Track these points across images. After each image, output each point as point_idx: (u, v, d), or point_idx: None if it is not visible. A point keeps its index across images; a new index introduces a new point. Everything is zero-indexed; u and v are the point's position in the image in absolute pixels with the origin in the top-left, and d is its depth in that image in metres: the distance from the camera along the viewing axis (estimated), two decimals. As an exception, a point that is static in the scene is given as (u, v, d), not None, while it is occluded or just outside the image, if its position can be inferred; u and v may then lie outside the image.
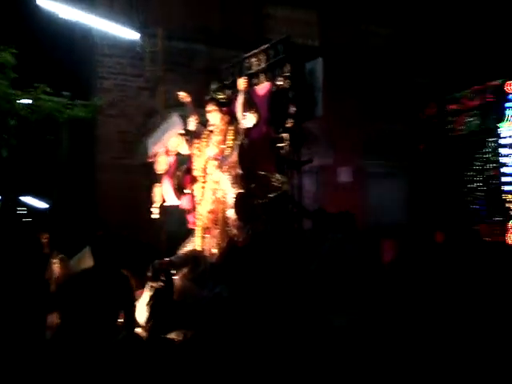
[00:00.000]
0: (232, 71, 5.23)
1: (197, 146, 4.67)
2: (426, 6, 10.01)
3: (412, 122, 8.84)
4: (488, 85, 7.16)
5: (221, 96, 4.88)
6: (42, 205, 12.21)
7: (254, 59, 4.91)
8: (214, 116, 4.56)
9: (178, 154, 4.90)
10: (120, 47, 7.01)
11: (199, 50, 7.89)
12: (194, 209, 4.62)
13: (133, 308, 3.11)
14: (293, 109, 4.33)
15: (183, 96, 5.01)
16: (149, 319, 3.33)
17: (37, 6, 6.10)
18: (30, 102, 5.87)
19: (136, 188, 7.37)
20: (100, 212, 7.11)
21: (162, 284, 3.51)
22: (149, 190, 7.31)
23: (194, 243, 4.51)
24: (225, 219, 4.31)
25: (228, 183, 4.27)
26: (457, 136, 7.68)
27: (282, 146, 4.39)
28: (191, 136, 4.77)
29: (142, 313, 3.30)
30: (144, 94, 7.43)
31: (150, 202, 5.29)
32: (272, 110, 4.44)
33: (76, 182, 8.18)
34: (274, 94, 4.52)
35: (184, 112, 7.80)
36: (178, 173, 4.86)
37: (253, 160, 4.26)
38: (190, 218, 4.68)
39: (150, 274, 3.66)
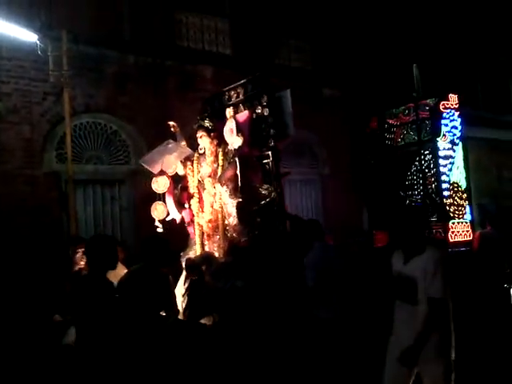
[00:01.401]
0: (212, 102, 6.20)
1: (189, 166, 5.53)
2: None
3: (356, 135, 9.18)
4: (420, 103, 8.04)
5: (207, 123, 5.39)
6: None
7: (232, 92, 5.77)
8: (204, 141, 5.36)
9: (175, 175, 5.55)
10: (21, 50, 6.43)
11: (109, 55, 7.49)
12: (192, 221, 5.49)
13: (174, 298, 3.89)
14: (272, 131, 5.18)
15: (173, 126, 5.73)
16: (187, 307, 4.39)
17: None
18: None
19: (42, 198, 6.86)
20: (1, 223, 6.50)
21: (196, 277, 4.55)
22: (56, 201, 6.90)
23: (195, 250, 5.40)
24: (224, 226, 5.15)
25: (226, 195, 5.07)
26: (396, 146, 8.50)
27: (267, 162, 5.23)
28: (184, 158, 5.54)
29: (179, 301, 4.27)
30: (49, 100, 6.90)
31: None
32: (253, 133, 5.29)
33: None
34: (255, 120, 5.36)
35: (94, 119, 7.48)
36: (176, 191, 5.56)
37: (244, 174, 5.02)
38: (189, 229, 5.58)
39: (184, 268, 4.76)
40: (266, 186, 5.09)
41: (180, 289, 4.65)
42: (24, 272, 6.05)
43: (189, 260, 4.88)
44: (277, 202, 5.04)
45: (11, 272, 6.00)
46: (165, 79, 8.07)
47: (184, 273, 4.79)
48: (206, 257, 4.95)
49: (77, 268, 4.60)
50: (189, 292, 4.53)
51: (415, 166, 8.30)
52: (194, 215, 5.45)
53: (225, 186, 5.05)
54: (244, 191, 4.99)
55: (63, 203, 6.91)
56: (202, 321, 4.31)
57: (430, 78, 13.12)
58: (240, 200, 4.95)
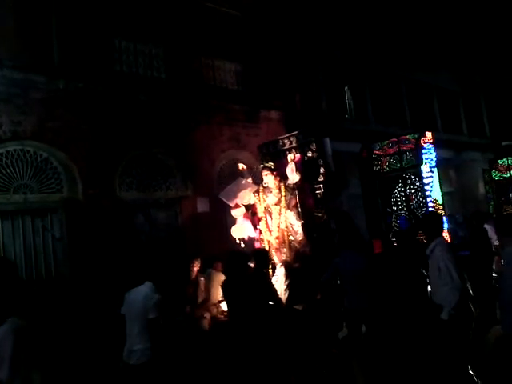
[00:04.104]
0: (268, 147, 7.72)
1: (257, 197, 6.92)
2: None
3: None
4: (401, 138, 9.98)
5: (270, 165, 6.88)
6: None
7: (286, 140, 7.33)
8: (269, 177, 6.74)
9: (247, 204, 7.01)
10: None
11: (37, 80, 7.06)
12: (261, 238, 6.87)
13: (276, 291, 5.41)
14: (321, 169, 6.71)
15: (242, 167, 7.31)
16: (288, 297, 5.78)
17: None
18: None
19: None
20: None
21: (298, 265, 6.08)
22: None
23: None
24: (289, 241, 6.52)
25: (293, 218, 6.54)
26: (382, 172, 10.42)
27: (318, 192, 6.69)
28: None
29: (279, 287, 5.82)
30: (-29, 128, 6.39)
31: None
32: (306, 171, 6.73)
33: None
34: (306, 162, 6.89)
35: (23, 146, 7.00)
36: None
37: (302, 202, 6.63)
38: (256, 244, 6.91)
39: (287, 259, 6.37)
40: (319, 210, 6.63)
41: (281, 285, 5.93)
42: None
43: (286, 262, 6.31)
44: (327, 221, 6.51)
45: None
46: (98, 105, 7.73)
47: (283, 272, 6.11)
48: (285, 262, 6.34)
49: (194, 276, 6.71)
50: (289, 284, 5.92)
51: (398, 187, 10.15)
52: (261, 233, 6.83)
53: (291, 211, 6.52)
54: (304, 215, 6.54)
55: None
56: (296, 306, 5.66)
57: (361, 101, 13.64)
58: (303, 221, 6.45)
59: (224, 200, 6.97)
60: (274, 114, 10.56)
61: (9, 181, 6.78)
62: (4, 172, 6.73)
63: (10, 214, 6.71)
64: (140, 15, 8.61)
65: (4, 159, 6.76)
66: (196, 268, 6.72)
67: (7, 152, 6.82)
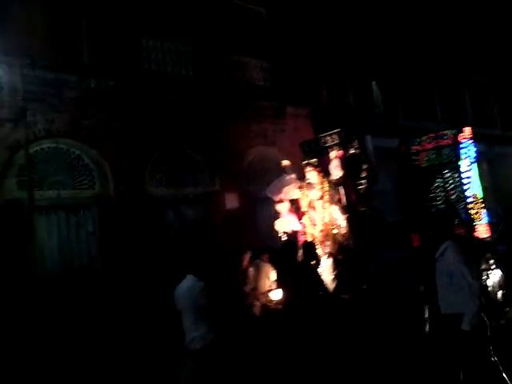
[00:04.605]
0: (310, 144, 7.93)
1: (301, 192, 7.10)
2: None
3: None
4: (439, 133, 9.70)
5: (314, 161, 7.15)
6: None
7: (328, 137, 7.51)
8: (312, 174, 6.92)
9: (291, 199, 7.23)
10: (-25, 76, 6.15)
11: (69, 79, 7.23)
12: (304, 232, 7.06)
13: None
14: (364, 165, 6.94)
15: (286, 163, 7.47)
16: (333, 282, 6.18)
17: None
18: None
19: (5, 226, 6.47)
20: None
21: (342, 257, 6.40)
22: (18, 228, 6.52)
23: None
24: (333, 234, 6.69)
25: (338, 212, 6.69)
26: (420, 167, 10.11)
27: (361, 188, 6.91)
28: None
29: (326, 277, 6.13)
30: (8, 126, 6.58)
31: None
32: (348, 167, 6.91)
33: None
34: (348, 158, 7.07)
35: (56, 144, 7.18)
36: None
37: (346, 197, 6.84)
38: (301, 237, 7.03)
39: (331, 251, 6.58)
40: (361, 205, 6.80)
41: (327, 275, 6.23)
42: None
43: (333, 254, 6.53)
44: (369, 215, 6.75)
45: None
46: (128, 102, 7.85)
47: (329, 264, 6.39)
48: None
49: (244, 267, 6.94)
50: (338, 270, 6.27)
51: (437, 182, 9.98)
52: (305, 227, 7.03)
53: (335, 206, 6.70)
54: (347, 209, 6.72)
55: (26, 230, 6.54)
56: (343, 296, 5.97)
57: (390, 95, 13.41)
58: (348, 215, 6.63)
59: (269, 195, 7.23)
60: (301, 110, 10.50)
61: (43, 177, 6.95)
62: (38, 168, 6.91)
63: (44, 210, 6.88)
64: (167, 14, 8.70)
65: (38, 156, 6.93)
66: (246, 259, 7.01)
67: (41, 149, 7.00)
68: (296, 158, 8.08)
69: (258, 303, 6.72)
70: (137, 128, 7.87)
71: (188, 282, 4.81)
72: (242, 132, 9.43)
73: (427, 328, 5.53)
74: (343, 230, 6.63)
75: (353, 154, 7.10)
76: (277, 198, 7.17)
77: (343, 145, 7.22)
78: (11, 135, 6.59)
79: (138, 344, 6.57)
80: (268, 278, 6.77)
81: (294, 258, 5.78)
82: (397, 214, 10.50)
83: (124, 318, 6.80)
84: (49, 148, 7.10)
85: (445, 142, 9.72)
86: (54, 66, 6.97)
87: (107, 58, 7.70)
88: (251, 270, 6.97)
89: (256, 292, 6.86)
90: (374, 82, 13.28)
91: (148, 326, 6.81)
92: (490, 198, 14.96)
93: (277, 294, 6.09)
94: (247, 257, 6.99)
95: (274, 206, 7.41)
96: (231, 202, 8.82)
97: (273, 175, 9.43)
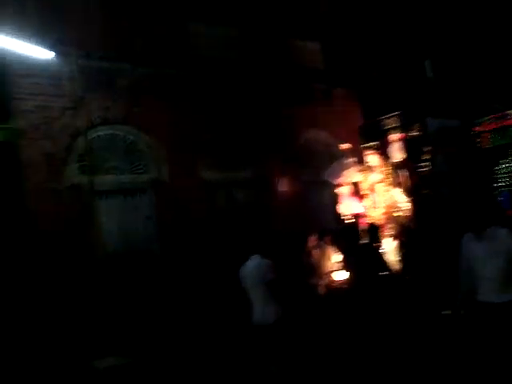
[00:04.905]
0: (369, 127, 7.98)
1: (362, 175, 7.22)
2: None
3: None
4: (504, 113, 9.46)
5: (374, 144, 7.23)
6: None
7: (388, 120, 7.48)
8: (373, 157, 7.07)
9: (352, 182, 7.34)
10: (36, 67, 6.44)
11: (122, 68, 7.46)
12: (364, 215, 7.14)
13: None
14: (425, 148, 6.93)
15: (345, 146, 7.52)
16: (399, 263, 6.28)
17: None
18: None
19: (68, 211, 6.80)
20: (33, 238, 6.46)
21: (404, 239, 6.49)
22: (80, 212, 6.83)
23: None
24: (395, 217, 6.74)
25: (400, 195, 6.78)
26: (484, 149, 9.90)
27: (422, 170, 6.91)
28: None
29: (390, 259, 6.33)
30: (68, 115, 6.88)
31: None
32: (410, 149, 6.93)
33: (3, 210, 7.44)
34: (409, 140, 7.05)
35: (113, 130, 7.44)
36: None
37: (408, 179, 6.85)
38: (361, 220, 7.15)
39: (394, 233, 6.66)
40: (424, 187, 6.82)
41: (391, 257, 6.41)
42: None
43: (397, 236, 6.65)
44: (433, 197, 6.76)
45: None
46: (180, 88, 8.00)
47: (393, 245, 6.50)
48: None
49: (309, 248, 6.96)
50: (404, 251, 6.36)
51: (502, 163, 9.66)
52: (366, 210, 7.14)
53: (398, 189, 6.79)
54: (410, 191, 6.77)
55: (87, 214, 6.84)
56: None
57: (444, 74, 12.84)
58: (411, 198, 6.68)
59: (328, 179, 7.41)
60: (350, 92, 10.28)
61: (102, 163, 7.23)
62: (97, 155, 7.19)
63: (104, 194, 7.15)
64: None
65: (96, 143, 7.21)
66: (312, 241, 7.14)
67: (99, 136, 7.27)
68: (346, 140, 7.97)
69: (322, 283, 6.82)
70: (188, 113, 8.00)
71: (254, 261, 4.93)
72: (293, 115, 9.33)
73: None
74: (406, 213, 6.69)
75: (414, 136, 7.11)
76: (336, 182, 7.31)
77: (404, 127, 7.24)
78: (71, 123, 6.89)
79: (197, 322, 6.72)
80: (331, 260, 6.86)
81: (356, 240, 6.06)
82: (458, 198, 10.12)
83: (182, 297, 6.98)
84: (106, 135, 7.37)
85: (509, 122, 9.37)
86: (108, 55, 7.21)
87: (157, 46, 7.87)
88: (316, 251, 7.06)
89: (320, 272, 6.97)
90: (427, 61, 12.77)
91: (207, 305, 6.96)
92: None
93: (340, 275, 6.30)
94: (313, 238, 7.08)
95: (326, 189, 7.41)
96: (282, 185, 8.80)
97: (323, 158, 9.37)
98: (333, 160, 8.16)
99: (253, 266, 4.92)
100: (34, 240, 6.52)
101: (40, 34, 6.13)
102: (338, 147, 8.06)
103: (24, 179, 6.66)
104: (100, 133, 7.28)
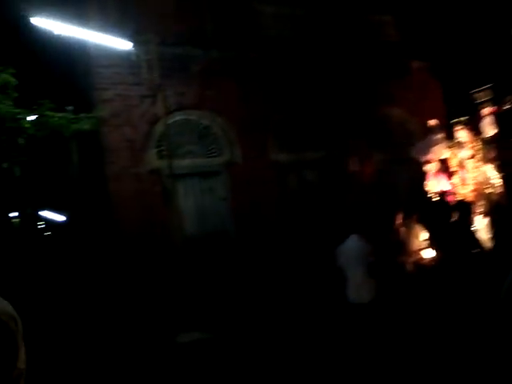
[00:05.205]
0: (459, 102, 7.77)
1: (450, 152, 7.05)
2: None
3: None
4: None
5: (463, 118, 6.96)
6: (59, 218, 12.03)
7: (479, 93, 7.12)
8: (462, 132, 6.85)
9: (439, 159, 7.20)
10: (116, 57, 6.72)
11: (194, 53, 7.59)
12: (455, 192, 6.99)
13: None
14: None
15: (433, 122, 7.30)
16: (491, 241, 5.99)
17: (32, 25, 5.87)
18: (34, 119, 5.59)
19: (147, 193, 7.14)
20: (116, 220, 6.88)
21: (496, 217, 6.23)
22: (159, 195, 7.17)
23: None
24: (486, 193, 6.56)
25: (492, 171, 6.57)
26: None
27: None
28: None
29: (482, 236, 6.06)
30: (146, 102, 7.15)
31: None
32: (502, 123, 6.68)
33: (89, 193, 7.95)
34: (503, 114, 6.79)
35: (187, 116, 7.64)
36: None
37: (501, 154, 6.62)
38: (449, 197, 7.01)
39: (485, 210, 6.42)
40: None
41: (484, 234, 6.25)
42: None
43: (490, 212, 6.47)
44: None
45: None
46: (250, 71, 8.03)
47: (485, 223, 6.36)
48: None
49: (396, 226, 6.82)
50: (495, 228, 6.20)
51: None
52: (455, 187, 7.01)
53: (489, 165, 6.58)
54: (503, 167, 6.57)
55: (166, 197, 7.15)
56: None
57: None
58: (503, 174, 6.50)
59: (417, 156, 7.33)
60: (427, 66, 9.79)
61: (178, 147, 7.47)
62: (173, 140, 7.43)
63: (182, 177, 7.42)
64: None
65: (173, 128, 7.44)
66: (399, 219, 7.16)
67: (175, 122, 7.50)
68: (423, 116, 7.68)
69: (410, 261, 6.83)
70: (259, 95, 8.03)
71: (354, 242, 5.14)
72: (367, 92, 9.07)
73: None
74: (498, 189, 6.54)
75: (506, 109, 6.84)
76: (424, 159, 7.23)
77: (496, 100, 6.96)
78: (149, 110, 7.15)
79: (274, 300, 6.89)
80: (418, 238, 6.83)
81: (445, 218, 5.97)
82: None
83: (258, 276, 7.18)
84: (181, 120, 7.58)
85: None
86: (181, 41, 7.35)
87: (227, 29, 7.91)
88: (403, 229, 7.04)
89: (408, 250, 6.98)
90: None
91: (283, 282, 7.12)
92: None
93: (428, 253, 6.29)
94: (400, 217, 7.06)
95: (405, 167, 7.23)
96: (353, 165, 8.67)
97: (400, 135, 9.11)
98: (411, 137, 7.96)
99: (352, 246, 5.11)
100: (116, 222, 6.94)
101: (119, 26, 6.35)
102: (415, 123, 7.80)
103: (106, 164, 7.06)
104: (176, 118, 7.50)
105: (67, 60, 7.61)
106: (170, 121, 7.41)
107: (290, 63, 8.34)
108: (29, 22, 5.83)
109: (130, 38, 6.48)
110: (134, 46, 6.46)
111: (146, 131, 7.18)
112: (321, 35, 8.68)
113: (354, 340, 4.99)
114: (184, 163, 7.47)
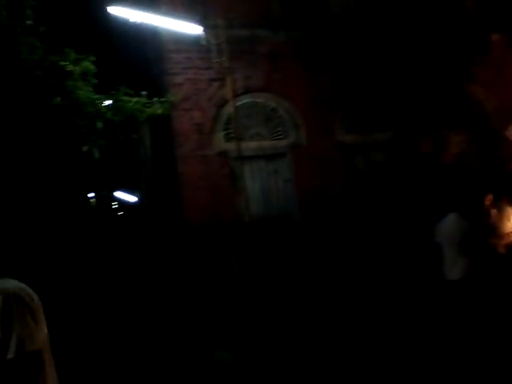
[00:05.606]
0: None
1: None
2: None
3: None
4: None
5: None
6: (131, 199, 12.65)
7: None
8: None
9: None
10: (186, 42, 6.90)
11: (261, 35, 7.60)
12: None
13: None
14: None
15: None
16: None
17: (109, 14, 6.14)
18: (110, 103, 5.89)
19: (215, 175, 7.33)
20: (185, 201, 7.14)
21: None
22: (226, 177, 7.33)
23: None
24: None
25: None
26: None
27: None
28: None
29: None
30: (214, 85, 7.29)
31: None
32: None
33: (160, 175, 8.28)
34: None
35: (254, 98, 7.70)
36: None
37: None
38: None
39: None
40: None
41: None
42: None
43: None
44: None
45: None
46: (316, 51, 7.93)
47: None
48: None
49: (486, 208, 6.68)
50: None
51: None
52: None
53: None
54: None
55: (233, 179, 7.31)
56: None
57: None
58: None
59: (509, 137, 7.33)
60: (506, 39, 9.15)
61: (245, 130, 7.57)
62: (240, 122, 7.53)
63: (248, 159, 7.53)
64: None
65: (241, 111, 7.54)
66: (488, 200, 7.02)
67: (242, 104, 7.59)
68: (504, 94, 7.22)
69: (502, 243, 6.63)
70: (325, 76, 7.93)
71: (453, 220, 5.32)
72: (441, 68, 8.59)
73: None
74: None
75: None
76: None
77: None
78: (217, 93, 7.29)
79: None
80: (509, 220, 6.66)
81: None
82: None
83: (324, 259, 7.20)
84: (247, 103, 7.66)
85: None
86: (248, 23, 7.39)
87: (294, 10, 7.83)
88: (494, 211, 6.85)
89: (499, 232, 6.77)
90: None
91: (350, 264, 7.10)
92: None
93: None
94: (489, 198, 6.88)
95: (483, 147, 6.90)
96: (427, 145, 8.34)
97: (478, 114, 8.65)
98: (491, 116, 7.55)
99: (452, 224, 5.27)
100: (184, 203, 7.18)
101: (189, 11, 6.49)
102: (494, 101, 7.33)
103: (176, 147, 7.30)
104: (243, 101, 7.58)
105: (141, 46, 7.91)
106: (238, 103, 7.51)
107: (358, 41, 8.13)
108: (106, 11, 6.10)
109: (200, 22, 6.61)
110: (203, 31, 6.57)
111: (213, 114, 7.34)
112: (390, 9, 8.34)
113: (447, 318, 5.14)
114: (250, 145, 7.57)
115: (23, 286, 1.50)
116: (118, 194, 13.65)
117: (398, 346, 5.00)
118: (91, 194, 11.81)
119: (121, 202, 14.15)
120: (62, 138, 5.60)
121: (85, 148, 5.77)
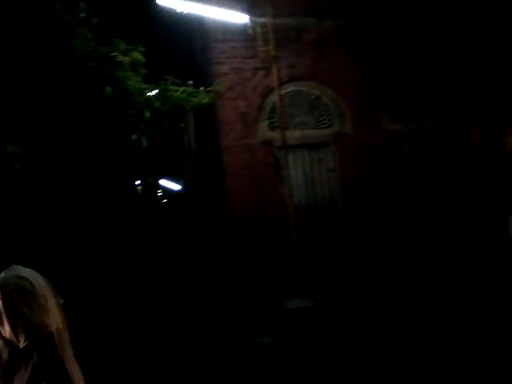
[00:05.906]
0: None
1: None
2: None
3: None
4: None
5: None
6: (175, 187, 12.92)
7: None
8: None
9: None
10: (232, 31, 6.93)
11: (307, 23, 7.51)
12: None
13: None
14: None
15: None
16: None
17: (155, 4, 6.23)
18: (157, 93, 6.00)
19: (259, 165, 7.35)
20: (228, 190, 7.21)
21: None
22: (271, 166, 7.34)
23: None
24: None
25: None
26: None
27: None
28: None
29: None
30: (259, 74, 7.29)
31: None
32: None
33: (204, 164, 8.40)
34: None
35: (298, 87, 7.64)
36: None
37: None
38: None
39: None
40: None
41: None
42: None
43: None
44: None
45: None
46: (362, 38, 7.77)
47: None
48: None
49: None
50: None
51: None
52: None
53: None
54: None
55: (277, 168, 7.31)
56: None
57: None
58: None
59: None
60: None
61: (289, 119, 7.53)
62: (286, 111, 7.49)
63: (292, 148, 7.50)
64: None
65: (285, 100, 7.49)
66: None
67: (287, 93, 7.54)
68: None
69: None
70: (372, 63, 7.76)
71: None
72: (495, 53, 8.16)
73: None
74: None
75: None
76: None
77: None
78: (262, 82, 7.29)
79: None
80: None
81: None
82: None
83: (368, 248, 7.11)
84: (292, 91, 7.61)
85: None
86: (296, 12, 7.31)
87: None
88: None
89: None
90: None
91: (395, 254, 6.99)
92: None
93: None
94: None
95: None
96: (480, 135, 8.02)
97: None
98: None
99: None
100: (228, 191, 7.25)
101: (236, 0, 6.48)
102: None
103: (221, 136, 7.37)
104: (287, 90, 7.54)
105: (187, 37, 8.00)
106: (282, 92, 7.46)
107: (406, 28, 7.88)
108: (154, 2, 6.20)
109: (246, 11, 6.60)
110: (249, 19, 6.56)
111: (258, 103, 7.34)
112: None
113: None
114: (294, 134, 7.52)
115: (26, 272, 1.49)
116: (163, 182, 13.96)
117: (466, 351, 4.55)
118: (138, 182, 12.13)
119: (165, 190, 14.47)
120: (112, 127, 5.76)
121: (134, 137, 5.89)
